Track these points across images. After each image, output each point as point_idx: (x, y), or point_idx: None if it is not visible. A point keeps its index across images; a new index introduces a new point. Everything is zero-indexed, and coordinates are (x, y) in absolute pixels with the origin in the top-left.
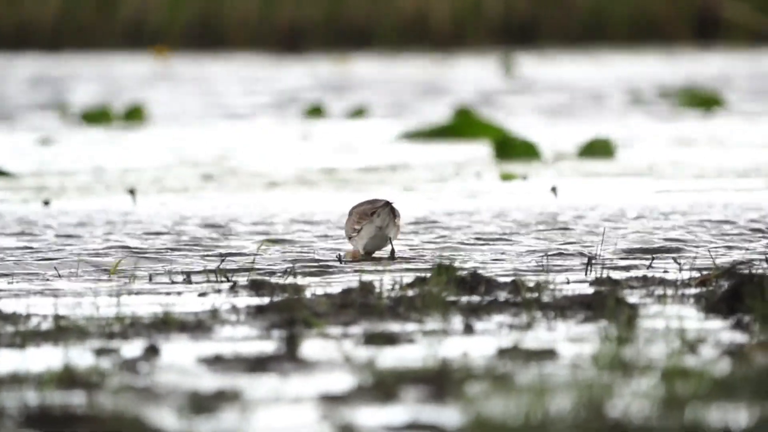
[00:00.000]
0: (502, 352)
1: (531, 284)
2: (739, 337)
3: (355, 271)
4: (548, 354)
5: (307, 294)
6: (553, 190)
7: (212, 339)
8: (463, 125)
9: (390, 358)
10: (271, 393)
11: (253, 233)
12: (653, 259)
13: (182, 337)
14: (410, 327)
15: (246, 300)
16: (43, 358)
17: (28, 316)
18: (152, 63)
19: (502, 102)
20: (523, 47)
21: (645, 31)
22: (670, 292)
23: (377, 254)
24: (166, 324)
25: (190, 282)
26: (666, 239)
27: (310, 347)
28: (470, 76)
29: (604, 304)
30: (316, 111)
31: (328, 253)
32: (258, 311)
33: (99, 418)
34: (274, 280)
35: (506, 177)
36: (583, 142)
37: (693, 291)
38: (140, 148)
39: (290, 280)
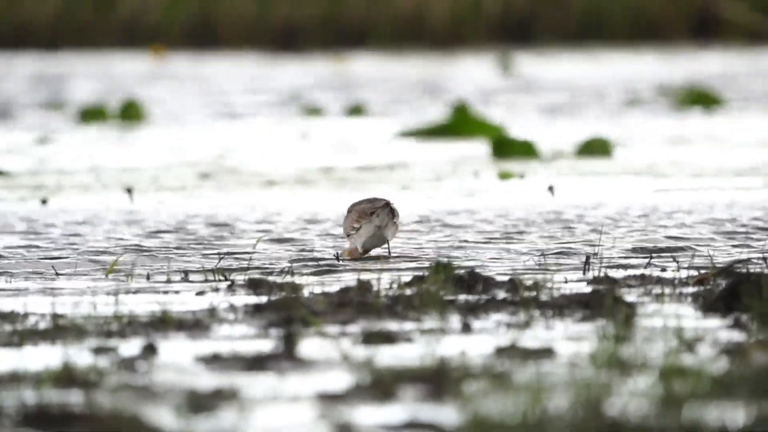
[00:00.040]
0: (500, 351)
1: (529, 283)
2: (737, 336)
3: (353, 269)
4: (546, 353)
5: (305, 293)
6: (550, 189)
7: (210, 338)
8: (461, 124)
9: (388, 356)
10: (269, 392)
11: (251, 232)
12: (651, 258)
13: (180, 335)
14: (408, 326)
15: (244, 299)
16: (41, 357)
17: (26, 315)
18: (149, 62)
19: (500, 100)
20: (521, 46)
21: (643, 30)
22: (667, 290)
23: (375, 253)
24: (164, 323)
25: (188, 281)
26: (664, 238)
27: (308, 346)
28: (468, 75)
29: (602, 302)
30: (312, 109)
31: (326, 251)
32: (256, 310)
33: (97, 417)
34: (272, 278)
35: (504, 176)
36: (580, 141)
37: (691, 290)
38: (138, 146)
39: (288, 278)
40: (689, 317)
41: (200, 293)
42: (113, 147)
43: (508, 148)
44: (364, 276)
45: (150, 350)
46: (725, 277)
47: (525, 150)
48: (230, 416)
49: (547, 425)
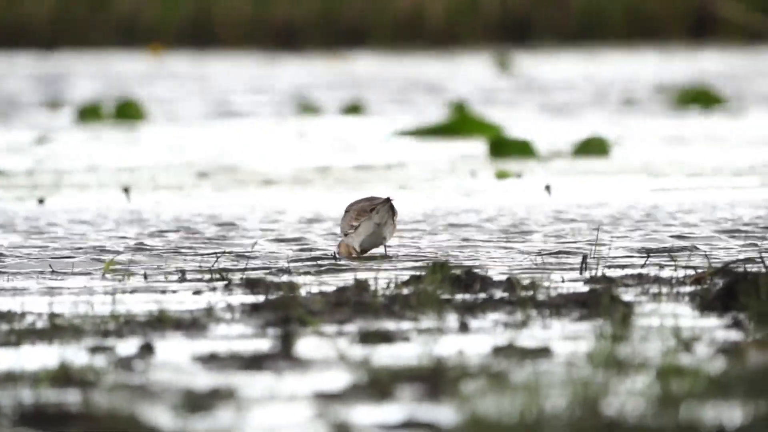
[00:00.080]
0: (497, 351)
1: (526, 282)
2: (734, 335)
3: (351, 269)
4: (543, 352)
5: (303, 292)
6: (547, 188)
7: (207, 337)
8: (459, 123)
9: (385, 356)
10: (266, 391)
11: (249, 231)
12: (648, 257)
13: (177, 335)
14: (405, 325)
15: (241, 298)
16: (38, 357)
17: (23, 314)
18: (147, 61)
19: (498, 100)
20: (519, 45)
21: (641, 30)
22: (664, 290)
23: (371, 252)
24: (161, 322)
25: (185, 280)
26: (661, 237)
27: (305, 345)
28: (466, 75)
29: (599, 302)
30: (310, 108)
31: (324, 251)
32: (253, 309)
33: (94, 416)
34: (269, 278)
35: (501, 175)
36: (578, 140)
37: (688, 289)
38: (136, 146)
39: (285, 278)
40: (686, 316)
41: (197, 292)
42: (111, 146)
43: (506, 148)
44: (362, 275)
45: (147, 349)
46: (722, 277)
47: (522, 149)
48: (227, 416)
49: (544, 425)
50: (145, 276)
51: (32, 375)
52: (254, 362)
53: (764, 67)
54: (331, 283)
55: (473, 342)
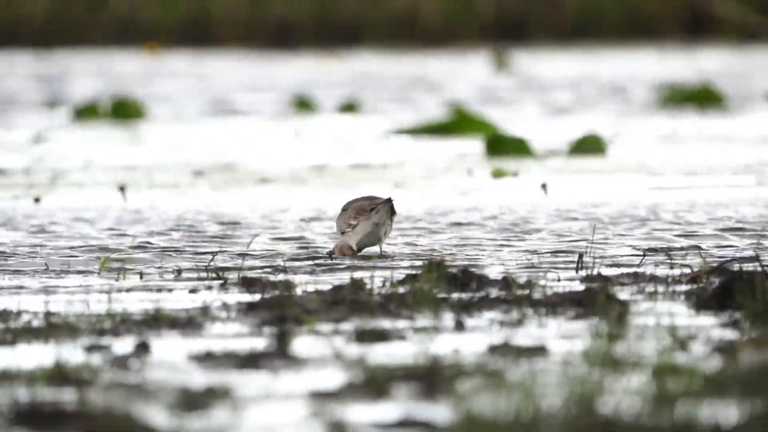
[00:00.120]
0: (493, 349)
1: (522, 281)
2: (730, 334)
3: (347, 268)
4: (539, 351)
5: (299, 291)
6: (543, 187)
7: (203, 336)
8: (455, 122)
9: (381, 355)
10: (261, 390)
11: (244, 230)
12: (644, 255)
13: (173, 333)
14: (401, 324)
15: (237, 297)
16: (34, 355)
17: (18, 313)
18: (144, 59)
19: (495, 98)
20: (514, 44)
21: (637, 28)
22: (660, 288)
23: (367, 251)
24: (157, 321)
25: (181, 279)
26: (656, 236)
27: (301, 344)
28: (462, 73)
29: (595, 301)
30: (306, 106)
31: (320, 249)
32: (249, 308)
33: (90, 415)
34: (265, 276)
35: (497, 174)
36: (574, 138)
37: (684, 288)
38: (133, 144)
39: (281, 276)
40: (682, 315)
41: (193, 291)
42: (108, 145)
43: (502, 146)
44: (358, 274)
45: (143, 348)
46: (718, 275)
47: (519, 148)
48: (223, 414)
49: (540, 423)
50: (141, 274)
51: (28, 374)
52: (250, 361)
53: (760, 65)
54: (327, 281)
55: (469, 341)
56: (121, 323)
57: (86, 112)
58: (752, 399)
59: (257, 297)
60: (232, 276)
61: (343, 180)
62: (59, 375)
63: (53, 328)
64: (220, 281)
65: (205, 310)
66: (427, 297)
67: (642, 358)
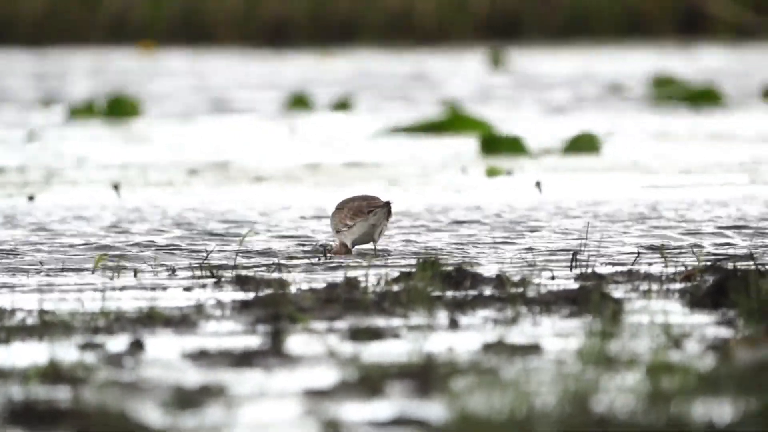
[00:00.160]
0: (487, 347)
1: (516, 279)
2: (724, 332)
3: (341, 266)
4: (533, 349)
5: (293, 289)
6: (538, 185)
7: (197, 334)
8: (450, 120)
9: (375, 353)
10: (256, 388)
11: (238, 228)
12: (638, 254)
13: (167, 331)
14: (395, 322)
15: (231, 295)
16: (28, 353)
17: (13, 311)
18: (138, 58)
19: (491, 97)
20: (508, 42)
21: (631, 27)
22: (655, 286)
23: (362, 250)
24: (151, 319)
25: (175, 277)
26: (651, 234)
27: (295, 342)
28: (458, 71)
29: (589, 299)
30: (302, 104)
31: (314, 247)
32: (243, 306)
33: (84, 413)
34: (259, 274)
35: (492, 172)
36: (568, 137)
37: (678, 286)
38: (127, 142)
39: (275, 274)
40: (676, 313)
41: (187, 289)
42: (103, 143)
43: (497, 145)
44: (352, 272)
45: (137, 346)
46: (712, 273)
47: (513, 146)
48: (217, 412)
49: (534, 421)
50: (135, 273)
51: (22, 372)
52: (244, 359)
53: (754, 63)
54: (322, 279)
55: (463, 339)
56: (116, 321)
57: (81, 110)
58: (746, 397)
59: (251, 295)
60: (227, 274)
61: (337, 178)
62: (53, 373)
63: (47, 326)
64: (214, 279)
65: (199, 308)
66: (421, 295)
67: (636, 356)
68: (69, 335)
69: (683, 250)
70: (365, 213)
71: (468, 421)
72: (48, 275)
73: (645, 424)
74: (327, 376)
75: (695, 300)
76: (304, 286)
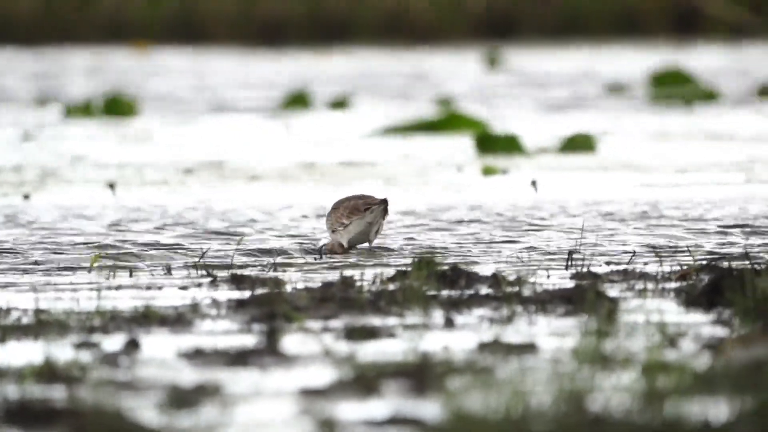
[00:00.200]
0: (483, 346)
1: (511, 278)
2: (719, 331)
3: (336, 265)
4: (529, 348)
5: (288, 288)
6: (533, 184)
7: (193, 333)
8: (446, 119)
9: (371, 352)
10: (251, 387)
11: (234, 227)
12: (634, 253)
13: (163, 331)
14: (391, 321)
15: (227, 294)
16: (24, 353)
17: (8, 311)
18: (134, 57)
19: (488, 96)
20: (503, 41)
21: (626, 26)
22: (650, 286)
23: (358, 247)
24: (146, 318)
25: (171, 276)
26: (646, 233)
27: (291, 341)
28: (454, 70)
29: (585, 298)
30: (300, 103)
31: (309, 246)
32: (238, 305)
33: (79, 412)
34: (254, 274)
35: (488, 171)
36: (564, 136)
37: (673, 285)
38: (123, 141)
39: (271, 274)
40: (672, 312)
41: (183, 288)
42: (99, 142)
43: (492, 144)
44: (347, 271)
45: (132, 345)
46: (708, 273)
47: (509, 145)
48: (213, 411)
49: (529, 420)
50: (131, 272)
51: (17, 371)
52: (240, 358)
53: (751, 63)
54: (317, 279)
55: (459, 338)
56: (111, 320)
57: (77, 110)
58: (741, 396)
59: (247, 294)
60: (222, 273)
61: (333, 177)
62: (49, 372)
63: (43, 326)
64: (210, 278)
65: (194, 308)
66: (416, 294)
67: (631, 355)
68: (64, 334)
69: (679, 249)
70: (361, 211)
71: (463, 420)
72: (43, 274)
73: (640, 423)
74: (322, 375)
75: (690, 299)
76: (300, 285)
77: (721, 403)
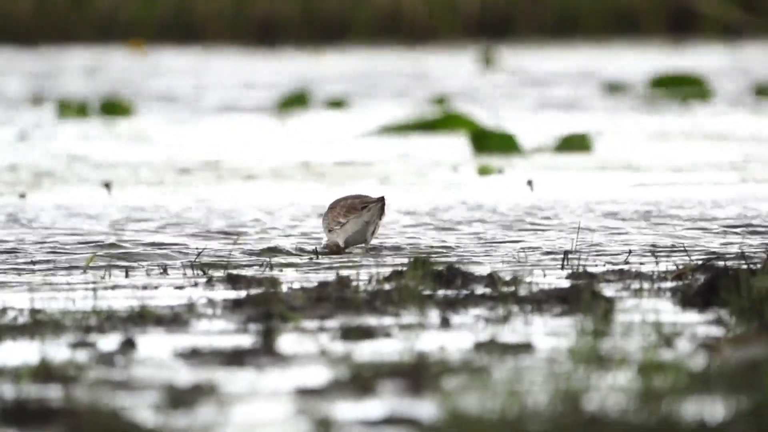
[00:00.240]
0: (479, 346)
1: (507, 278)
2: (715, 331)
3: (332, 265)
4: (525, 347)
5: (284, 288)
6: (529, 183)
7: (189, 333)
8: (442, 119)
9: (367, 351)
10: (247, 387)
11: (230, 227)
12: (630, 252)
13: (159, 330)
14: (387, 321)
15: (222, 294)
16: (20, 352)
17: (4, 310)
18: (130, 57)
19: (481, 95)
20: (498, 40)
21: (620, 25)
22: (646, 285)
23: (354, 247)
24: (142, 317)
25: (167, 276)
26: (642, 233)
27: (287, 341)
28: (449, 70)
29: (581, 297)
30: (295, 102)
31: (306, 246)
32: (234, 305)
33: (75, 411)
34: (250, 273)
35: (483, 171)
36: (560, 135)
37: (669, 284)
38: (119, 141)
39: (267, 273)
40: (667, 312)
41: (179, 288)
42: (94, 142)
43: (488, 143)
44: (343, 271)
45: (128, 345)
46: (703, 272)
47: (505, 144)
48: (209, 411)
49: (525, 420)
50: (127, 271)
51: (13, 371)
52: (236, 358)
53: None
54: (313, 278)
55: (455, 337)
56: (107, 320)
57: (72, 109)
58: (737, 396)
59: (243, 294)
60: (218, 273)
61: (329, 177)
62: (45, 372)
63: (39, 325)
64: (206, 278)
65: (190, 307)
66: (412, 294)
67: (627, 354)
68: (60, 334)
69: (675, 249)
70: (358, 209)
71: (459, 420)
72: (39, 274)
73: (636, 422)
74: (318, 375)
75: (686, 299)
76: (296, 285)
77: (716, 403)
